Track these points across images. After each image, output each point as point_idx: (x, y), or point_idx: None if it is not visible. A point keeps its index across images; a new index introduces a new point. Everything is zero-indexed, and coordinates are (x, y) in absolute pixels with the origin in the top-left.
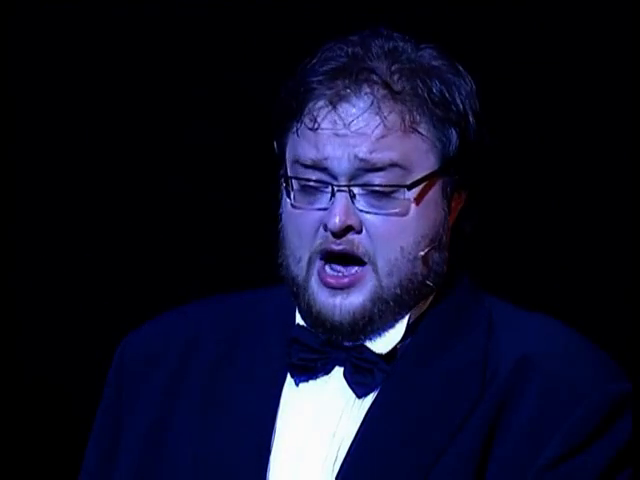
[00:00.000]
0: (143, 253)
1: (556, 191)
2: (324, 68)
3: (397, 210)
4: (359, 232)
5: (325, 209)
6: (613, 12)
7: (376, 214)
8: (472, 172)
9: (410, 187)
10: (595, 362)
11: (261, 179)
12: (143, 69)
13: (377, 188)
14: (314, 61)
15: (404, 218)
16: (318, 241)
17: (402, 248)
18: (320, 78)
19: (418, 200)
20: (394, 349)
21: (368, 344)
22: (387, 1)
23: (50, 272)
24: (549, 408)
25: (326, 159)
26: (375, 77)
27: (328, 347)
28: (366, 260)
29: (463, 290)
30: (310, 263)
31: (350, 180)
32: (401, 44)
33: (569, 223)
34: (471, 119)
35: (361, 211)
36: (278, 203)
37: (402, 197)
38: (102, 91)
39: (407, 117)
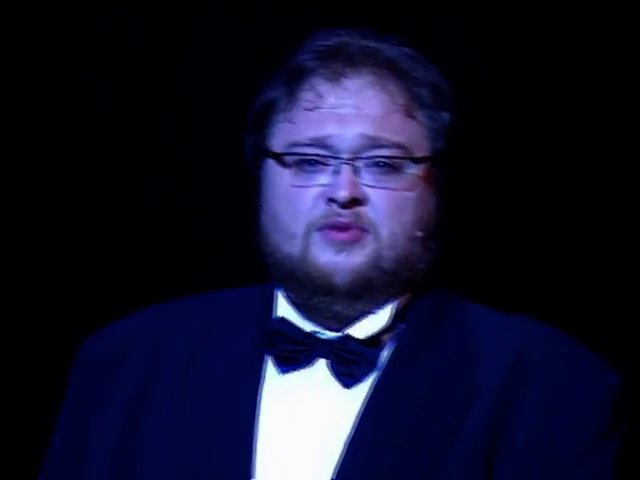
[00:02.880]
0: (144, 254)
1: (556, 191)
2: (316, 49)
3: (402, 185)
4: (363, 205)
5: (326, 185)
6: (613, 12)
7: (381, 188)
8: (455, 166)
9: (417, 161)
10: (584, 356)
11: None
12: (141, 70)
13: (384, 160)
14: (303, 48)
15: (407, 194)
16: (319, 214)
17: (405, 224)
18: (313, 57)
19: (420, 178)
20: (379, 341)
21: (351, 331)
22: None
23: (49, 273)
24: (557, 407)
25: (329, 137)
26: (375, 58)
27: (311, 339)
28: (370, 230)
29: (440, 288)
30: (306, 236)
31: (354, 155)
32: (384, 37)
33: (569, 223)
34: (456, 111)
35: (365, 185)
36: (254, 197)
37: (407, 172)
38: (102, 89)
39: (409, 99)
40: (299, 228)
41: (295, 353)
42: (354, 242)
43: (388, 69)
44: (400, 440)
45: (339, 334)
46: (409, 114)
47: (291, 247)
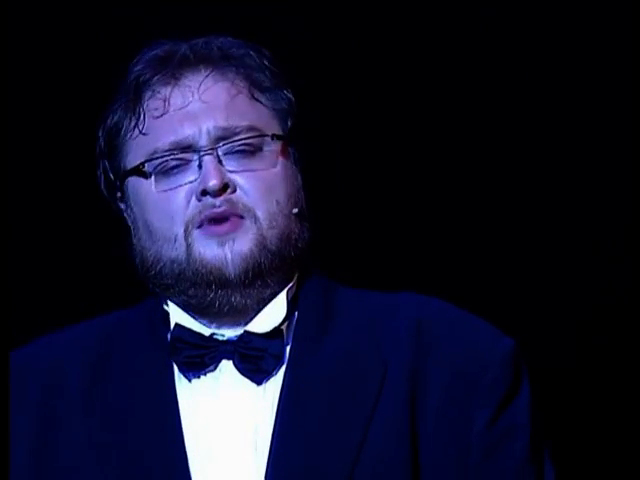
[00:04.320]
0: None
1: (555, 191)
2: (148, 60)
3: (265, 164)
4: (234, 192)
5: (194, 181)
6: (613, 12)
7: (246, 171)
8: (305, 149)
9: (273, 137)
10: (478, 322)
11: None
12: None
13: (243, 142)
14: (134, 64)
15: (273, 171)
16: (194, 211)
17: (279, 202)
18: (147, 67)
19: (281, 155)
20: (279, 331)
21: (251, 327)
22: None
23: (48, 274)
24: (462, 374)
25: (186, 137)
26: (207, 53)
27: (213, 342)
28: (246, 216)
29: (319, 275)
30: (187, 236)
31: (213, 146)
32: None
33: (568, 224)
34: (292, 94)
35: (231, 172)
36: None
37: (266, 150)
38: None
39: (249, 84)
40: (178, 229)
41: (198, 357)
42: (235, 231)
43: (223, 60)
44: (322, 430)
45: (239, 332)
46: (253, 97)
47: (173, 251)
